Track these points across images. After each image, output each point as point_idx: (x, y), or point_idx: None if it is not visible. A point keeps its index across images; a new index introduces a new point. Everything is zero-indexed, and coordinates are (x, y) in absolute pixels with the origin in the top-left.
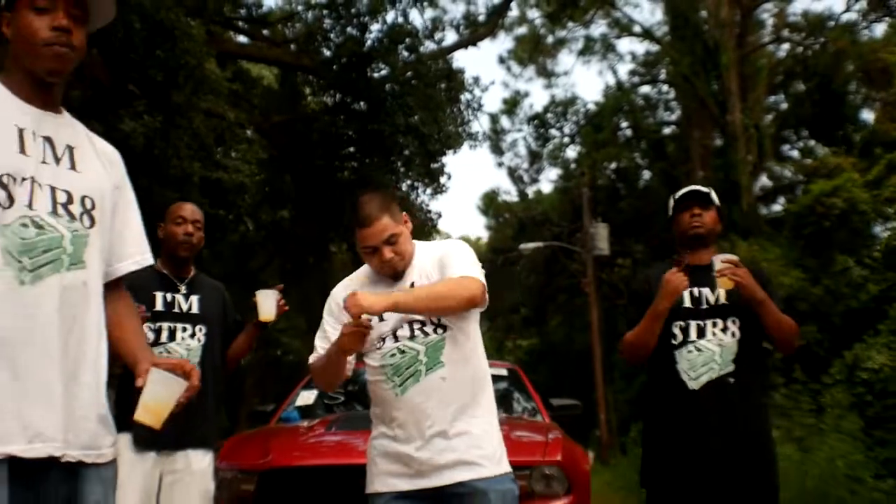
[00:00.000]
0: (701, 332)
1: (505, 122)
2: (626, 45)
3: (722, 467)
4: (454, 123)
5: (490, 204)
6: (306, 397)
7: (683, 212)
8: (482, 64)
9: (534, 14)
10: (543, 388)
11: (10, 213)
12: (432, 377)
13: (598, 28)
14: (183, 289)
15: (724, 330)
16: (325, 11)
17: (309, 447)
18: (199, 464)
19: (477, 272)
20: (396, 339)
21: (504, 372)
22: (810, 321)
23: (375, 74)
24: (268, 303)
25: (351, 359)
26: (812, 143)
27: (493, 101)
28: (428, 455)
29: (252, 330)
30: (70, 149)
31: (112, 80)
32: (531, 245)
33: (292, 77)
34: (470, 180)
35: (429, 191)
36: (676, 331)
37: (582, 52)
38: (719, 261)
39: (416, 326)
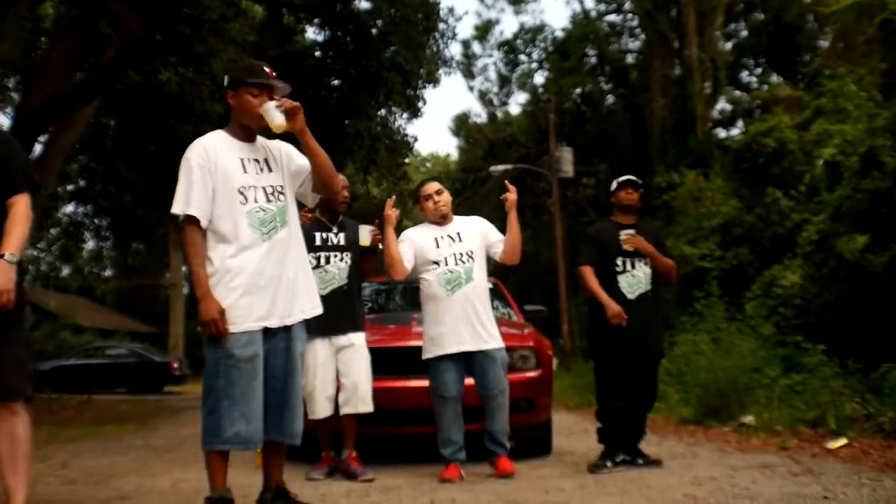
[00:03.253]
0: (633, 265)
1: (476, 47)
2: None
3: (638, 343)
4: (432, 54)
5: (461, 126)
6: None
7: (621, 190)
8: None
9: None
10: (513, 297)
11: (248, 206)
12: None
13: None
14: (334, 229)
15: (646, 263)
16: None
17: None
18: (358, 340)
19: None
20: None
21: (490, 285)
22: (744, 244)
23: (360, 5)
24: (364, 234)
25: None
26: (769, 70)
27: (465, 27)
28: None
29: (366, 256)
30: (266, 160)
31: (146, 35)
32: (501, 167)
33: (277, 13)
34: (443, 103)
35: (405, 115)
36: (619, 262)
37: None
38: (623, 234)
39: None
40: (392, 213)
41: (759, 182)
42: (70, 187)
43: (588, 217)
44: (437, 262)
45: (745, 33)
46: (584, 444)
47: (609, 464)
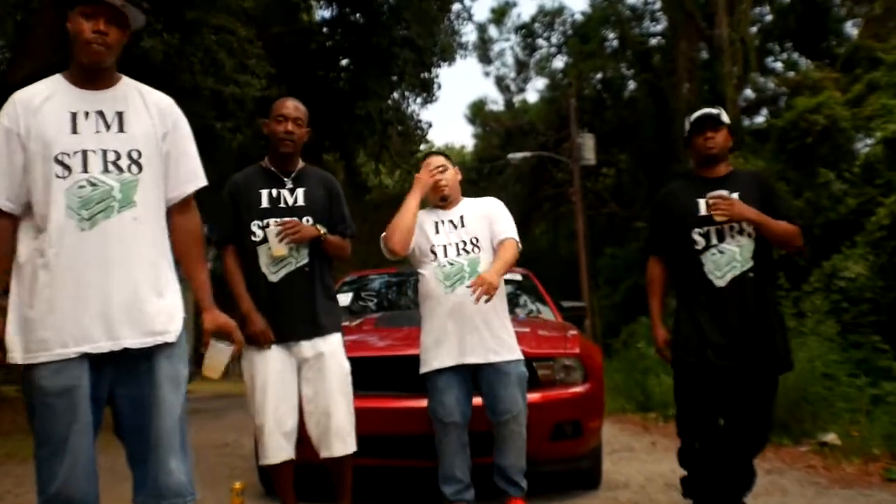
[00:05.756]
0: (721, 236)
1: (493, 31)
2: None
3: (734, 350)
4: (446, 34)
5: (477, 113)
6: (342, 300)
7: (698, 135)
8: None
9: None
10: None
11: (68, 181)
12: None
13: None
14: (289, 183)
15: (741, 232)
16: None
17: (367, 342)
18: (328, 347)
19: (516, 233)
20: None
21: (519, 276)
22: None
23: None
24: (273, 241)
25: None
26: (796, 55)
27: (481, 10)
28: None
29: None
30: (119, 114)
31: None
32: (519, 155)
33: None
34: (458, 89)
35: (419, 100)
36: (697, 237)
37: None
38: (708, 197)
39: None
40: (428, 177)
41: (808, 163)
42: None
43: (608, 208)
44: (434, 253)
45: (769, 17)
46: (637, 468)
47: None
